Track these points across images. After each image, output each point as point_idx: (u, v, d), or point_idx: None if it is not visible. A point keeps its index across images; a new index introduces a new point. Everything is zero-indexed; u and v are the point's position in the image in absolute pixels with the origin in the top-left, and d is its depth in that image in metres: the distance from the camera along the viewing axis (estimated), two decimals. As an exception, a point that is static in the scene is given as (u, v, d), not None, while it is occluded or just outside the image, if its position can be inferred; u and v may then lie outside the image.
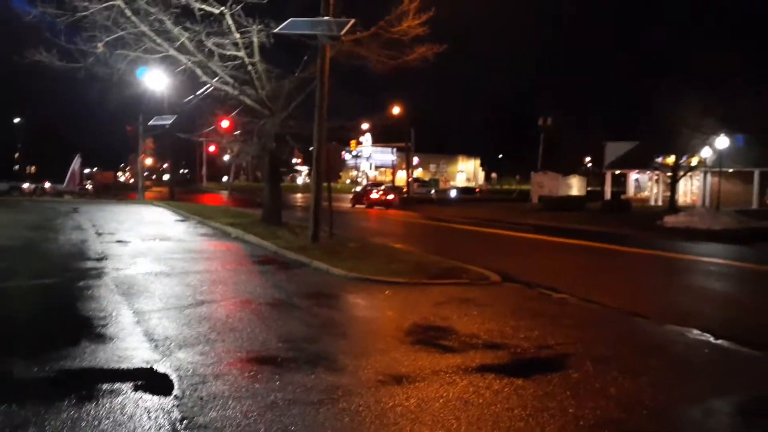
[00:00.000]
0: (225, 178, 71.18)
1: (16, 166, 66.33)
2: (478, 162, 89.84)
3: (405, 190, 50.75)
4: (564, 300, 9.06)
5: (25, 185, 46.28)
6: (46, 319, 7.28)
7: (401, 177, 64.04)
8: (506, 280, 10.42)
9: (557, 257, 15.55)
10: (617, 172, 48.30)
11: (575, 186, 50.48)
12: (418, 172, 72.93)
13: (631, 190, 49.35)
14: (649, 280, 11.95)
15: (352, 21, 12.99)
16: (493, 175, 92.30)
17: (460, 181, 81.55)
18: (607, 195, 44.66)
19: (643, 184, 48.64)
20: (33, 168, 68.87)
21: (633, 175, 49.18)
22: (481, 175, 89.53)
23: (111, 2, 14.69)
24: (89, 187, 50.08)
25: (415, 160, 64.31)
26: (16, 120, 64.46)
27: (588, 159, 72.48)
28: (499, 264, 11.80)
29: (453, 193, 57.46)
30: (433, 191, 55.63)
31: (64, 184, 43.67)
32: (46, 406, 4.28)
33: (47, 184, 45.61)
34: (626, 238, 19.76)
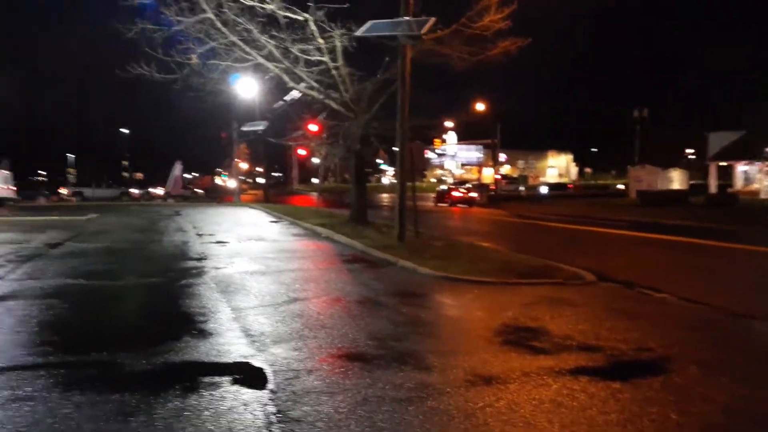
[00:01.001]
0: (314, 180, 73.38)
1: (125, 173, 71.61)
2: (570, 157, 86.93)
3: (492, 187, 49.97)
4: (665, 300, 8.57)
5: (134, 190, 49.86)
6: (153, 315, 7.81)
7: (488, 174, 63.10)
8: (602, 280, 9.99)
9: (658, 255, 14.73)
10: (722, 163, 44.97)
11: (676, 179, 47.58)
12: (505, 169, 71.60)
13: (738, 182, 45.83)
14: (760, 278, 11.05)
15: (433, 20, 12.94)
16: (587, 170, 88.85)
17: (551, 177, 79.22)
18: (712, 188, 41.71)
19: (753, 176, 45.00)
20: (140, 174, 74.07)
21: (740, 167, 45.64)
22: (574, 170, 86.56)
23: (203, 15, 15.56)
24: (198, 191, 53.23)
25: (503, 156, 63.19)
26: (124, 131, 69.74)
27: (690, 151, 68.13)
28: (593, 263, 11.34)
29: (543, 190, 55.83)
30: (521, 188, 54.36)
31: (167, 189, 46.63)
32: (154, 396, 4.59)
33: (160, 190, 48.70)
34: (734, 234, 18.39)
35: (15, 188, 34.85)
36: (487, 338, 6.43)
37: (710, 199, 34.68)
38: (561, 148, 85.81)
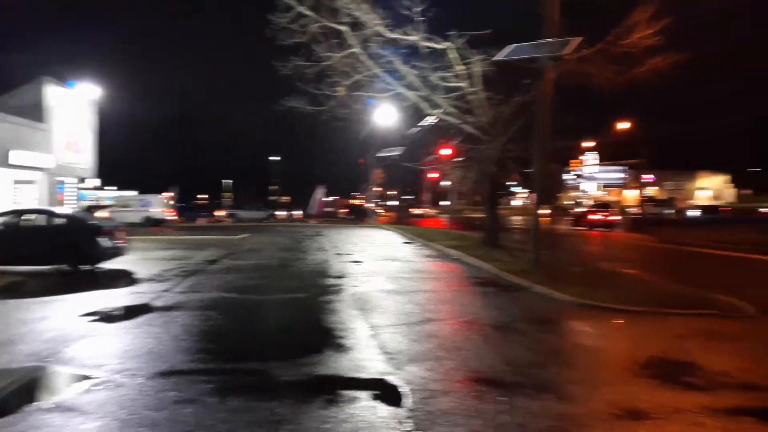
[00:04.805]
0: (444, 203, 73.87)
1: (272, 197, 77.10)
2: (725, 178, 79.31)
3: (636, 210, 46.91)
4: None
5: (279, 213, 53.52)
6: (297, 328, 8.28)
7: (631, 196, 59.38)
8: (765, 313, 8.98)
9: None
10: None
11: None
12: (652, 191, 66.93)
13: None
14: None
15: (579, 40, 12.58)
16: (746, 191, 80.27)
17: (703, 199, 72.56)
18: None
19: None
20: (287, 198, 79.33)
21: None
22: (730, 192, 78.67)
23: (350, 50, 16.56)
24: (341, 212, 56.02)
25: (650, 177, 59.20)
26: (273, 158, 75.37)
27: None
28: (755, 294, 10.21)
29: (693, 213, 51.30)
30: (671, 211, 50.38)
31: (309, 211, 49.46)
32: (300, 406, 4.89)
33: (300, 212, 51.70)
34: None
35: (173, 210, 38.96)
36: (633, 371, 6.05)
37: None
38: (715, 169, 78.50)
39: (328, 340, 7.18)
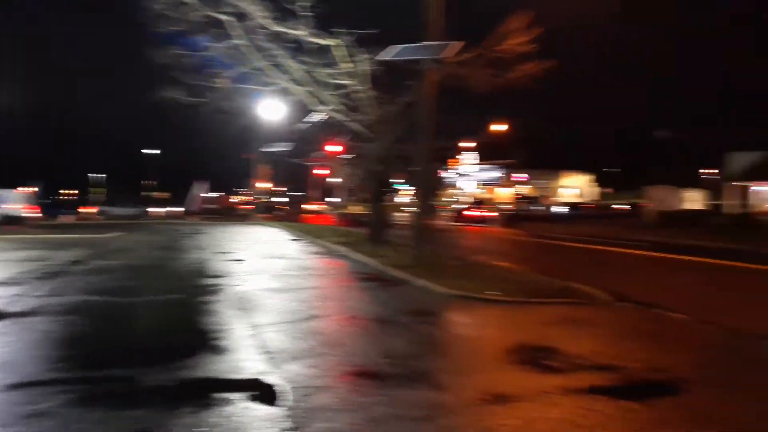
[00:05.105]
0: (333, 200, 74.08)
1: (150, 192, 73.03)
2: (588, 177, 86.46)
3: (510, 207, 49.85)
4: (683, 321, 8.46)
5: (153, 209, 50.86)
6: (170, 331, 7.87)
7: (505, 193, 62.97)
8: (618, 300, 9.90)
9: (676, 276, 14.54)
10: (742, 184, 44.17)
11: (694, 200, 47.03)
12: (525, 189, 71.33)
13: (760, 203, 44.95)
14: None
15: (460, 44, 13.05)
16: (606, 190, 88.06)
17: (569, 197, 78.61)
18: (730, 209, 40.95)
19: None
20: (166, 194, 75.45)
21: (759, 187, 44.76)
22: (592, 190, 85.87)
23: (233, 42, 16.01)
24: (238, 208, 54.26)
25: (523, 176, 62.98)
26: (154, 151, 71.32)
27: (707, 171, 67.22)
28: (610, 283, 11.22)
29: (560, 210, 55.56)
30: (539, 207, 54.17)
31: (188, 207, 47.43)
32: (169, 412, 4.64)
33: (180, 209, 49.52)
34: (757, 255, 18.05)
35: (36, 207, 35.75)
36: (501, 357, 6.41)
37: (732, 219, 34.02)
38: (581, 169, 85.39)
39: (204, 342, 6.90)
